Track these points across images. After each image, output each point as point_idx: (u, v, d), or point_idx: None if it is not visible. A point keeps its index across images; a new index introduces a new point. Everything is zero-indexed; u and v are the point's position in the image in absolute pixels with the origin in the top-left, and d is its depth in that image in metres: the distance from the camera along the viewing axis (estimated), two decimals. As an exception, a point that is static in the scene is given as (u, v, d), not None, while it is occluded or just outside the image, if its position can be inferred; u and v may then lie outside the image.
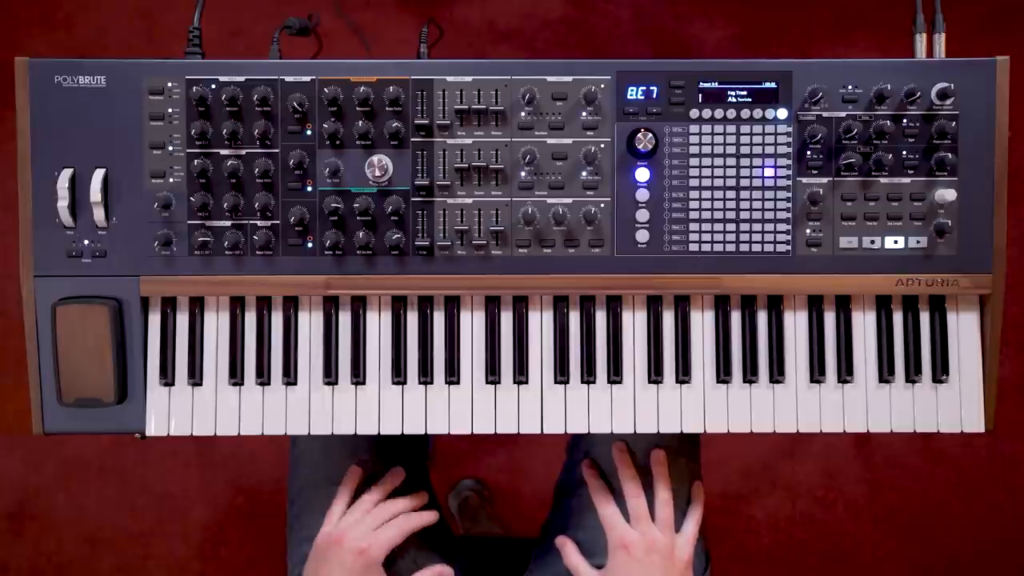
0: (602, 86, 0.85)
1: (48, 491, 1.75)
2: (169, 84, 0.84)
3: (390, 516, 0.91)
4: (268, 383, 0.87)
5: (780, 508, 1.78)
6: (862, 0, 1.79)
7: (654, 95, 0.86)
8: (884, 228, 0.86)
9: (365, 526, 0.89)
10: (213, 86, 0.84)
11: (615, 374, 0.87)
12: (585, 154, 0.85)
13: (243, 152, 0.85)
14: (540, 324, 0.88)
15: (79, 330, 0.84)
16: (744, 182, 0.86)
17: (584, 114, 0.86)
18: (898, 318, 0.88)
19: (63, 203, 0.83)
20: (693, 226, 0.86)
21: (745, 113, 0.86)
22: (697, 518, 0.92)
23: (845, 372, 0.87)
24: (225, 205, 0.84)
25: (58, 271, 0.85)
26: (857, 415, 0.88)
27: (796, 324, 0.88)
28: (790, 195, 0.86)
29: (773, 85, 0.85)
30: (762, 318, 0.88)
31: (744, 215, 0.86)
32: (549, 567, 0.98)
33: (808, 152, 0.85)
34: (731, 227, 0.86)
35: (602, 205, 0.86)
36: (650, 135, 0.85)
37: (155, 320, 0.87)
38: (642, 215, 0.86)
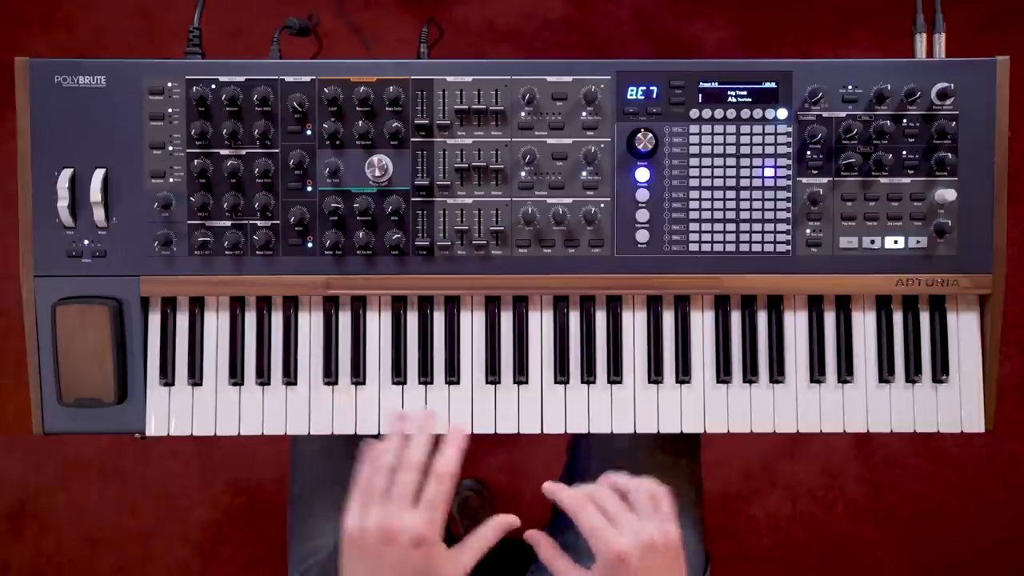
0: (602, 86, 0.85)
1: (48, 491, 1.75)
2: (169, 84, 0.84)
3: (418, 486, 0.73)
4: (268, 383, 0.87)
5: (780, 508, 1.78)
6: (862, 0, 1.79)
7: (654, 95, 0.86)
8: (884, 228, 0.86)
9: (412, 512, 0.72)
10: (213, 86, 0.84)
11: (615, 374, 0.87)
12: (585, 154, 0.85)
13: (243, 152, 0.85)
14: (540, 324, 0.88)
15: (79, 330, 0.84)
16: (744, 182, 0.86)
17: (584, 114, 0.86)
18: (898, 318, 0.88)
19: (63, 203, 0.83)
20: (693, 226, 0.86)
21: (745, 113, 0.86)
22: (666, 505, 0.77)
23: (845, 372, 0.87)
24: (225, 205, 0.84)
25: (58, 271, 0.85)
26: (857, 415, 0.88)
27: (796, 324, 0.88)
28: (790, 195, 0.86)
29: (773, 85, 0.85)
30: (762, 318, 0.88)
31: (744, 215, 0.86)
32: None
33: (808, 152, 0.85)
34: (731, 227, 0.86)
35: (602, 205, 0.86)
36: (650, 135, 0.85)
37: (155, 320, 0.87)
38: (642, 215, 0.86)
